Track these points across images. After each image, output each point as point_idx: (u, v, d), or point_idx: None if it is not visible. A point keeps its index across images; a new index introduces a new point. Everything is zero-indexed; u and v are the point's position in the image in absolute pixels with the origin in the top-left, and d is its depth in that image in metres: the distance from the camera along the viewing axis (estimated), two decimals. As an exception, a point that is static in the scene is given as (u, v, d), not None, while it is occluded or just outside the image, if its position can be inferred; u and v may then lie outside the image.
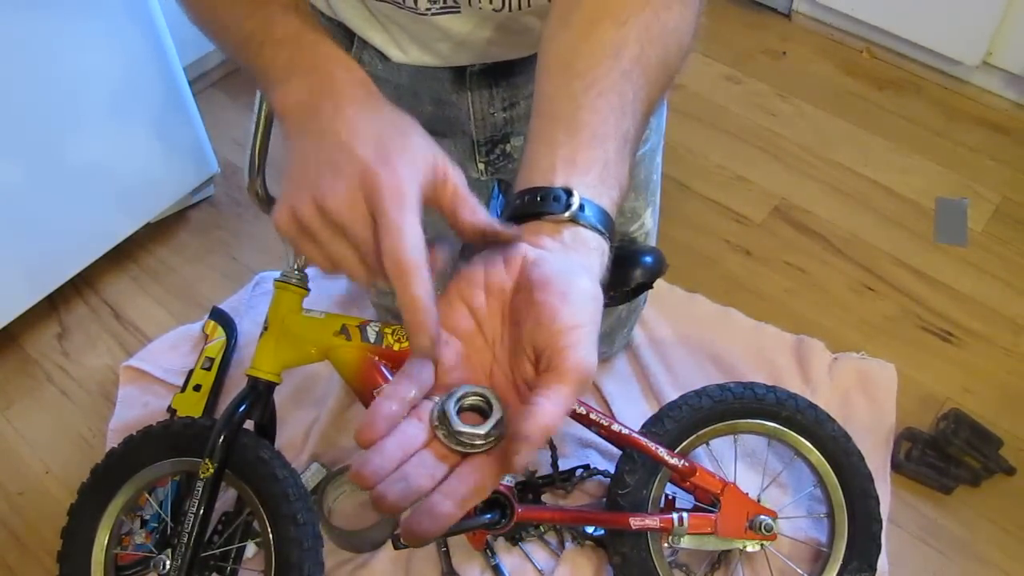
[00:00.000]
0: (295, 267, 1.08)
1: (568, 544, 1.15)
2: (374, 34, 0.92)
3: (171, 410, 1.30)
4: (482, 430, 0.45)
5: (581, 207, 0.51)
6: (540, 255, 0.50)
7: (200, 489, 1.00)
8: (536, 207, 0.52)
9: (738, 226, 1.59)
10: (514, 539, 1.16)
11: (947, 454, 1.24)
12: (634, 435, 1.05)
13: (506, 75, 0.95)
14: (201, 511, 1.00)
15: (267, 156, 1.07)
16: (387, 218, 0.50)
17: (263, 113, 1.05)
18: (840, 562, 1.09)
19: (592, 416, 1.04)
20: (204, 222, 1.62)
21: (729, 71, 1.88)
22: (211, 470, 1.00)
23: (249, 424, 1.07)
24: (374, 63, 0.96)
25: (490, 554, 1.14)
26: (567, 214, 0.51)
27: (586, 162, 0.54)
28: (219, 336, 1.39)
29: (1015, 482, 1.25)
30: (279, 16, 0.62)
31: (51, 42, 1.22)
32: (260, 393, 1.07)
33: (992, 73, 1.79)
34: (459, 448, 0.45)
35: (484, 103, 0.97)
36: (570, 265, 0.49)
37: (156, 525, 1.15)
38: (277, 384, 1.08)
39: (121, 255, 1.54)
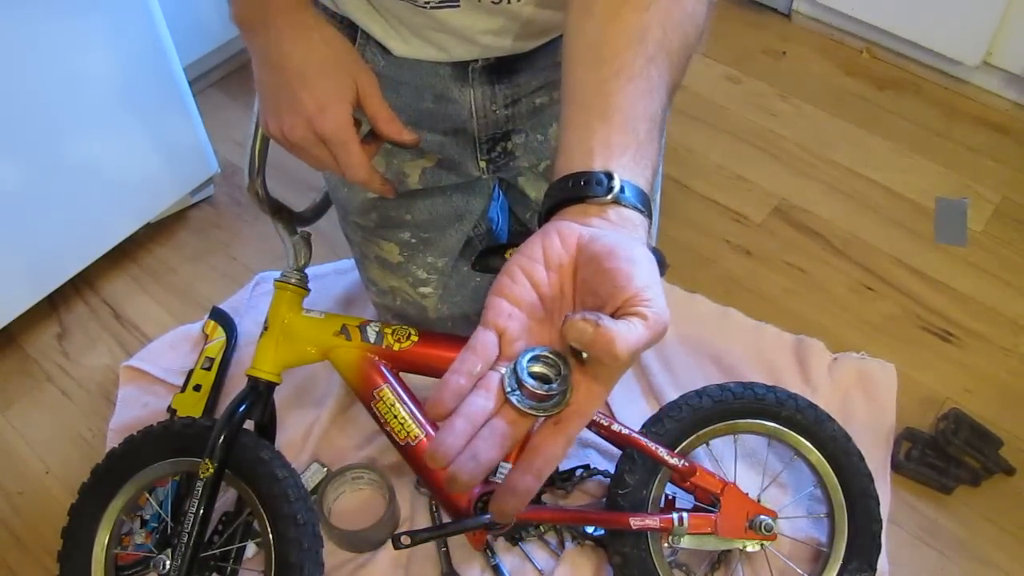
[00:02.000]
0: (295, 267, 1.08)
1: (568, 544, 1.15)
2: (375, 26, 0.93)
3: (171, 410, 1.30)
4: (553, 384, 0.47)
5: (622, 189, 0.54)
6: (594, 231, 0.52)
7: (200, 489, 1.00)
8: (580, 191, 0.54)
9: (738, 226, 1.59)
10: (514, 539, 1.16)
11: (947, 454, 1.24)
12: (634, 435, 1.05)
13: (508, 72, 0.96)
14: (201, 511, 1.00)
15: (267, 156, 1.07)
16: (335, 148, 0.80)
17: None
18: (840, 562, 1.09)
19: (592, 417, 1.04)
20: (204, 222, 1.62)
21: (729, 71, 1.88)
22: (211, 470, 1.00)
23: (249, 424, 1.07)
24: (376, 59, 0.96)
25: (490, 554, 1.14)
26: (610, 196, 0.54)
27: (621, 145, 0.56)
28: (219, 336, 1.39)
29: (1015, 482, 1.25)
30: None
31: (51, 42, 1.22)
32: (260, 393, 1.07)
33: (992, 73, 1.79)
34: (531, 410, 0.47)
35: (486, 100, 0.98)
36: (624, 237, 0.52)
37: (156, 525, 1.15)
38: (277, 384, 1.08)
39: (121, 255, 1.54)
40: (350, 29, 0.95)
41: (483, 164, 1.07)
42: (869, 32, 1.90)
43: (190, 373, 1.34)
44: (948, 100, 1.82)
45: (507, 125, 1.02)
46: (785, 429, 1.12)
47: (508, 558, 1.15)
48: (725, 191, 1.65)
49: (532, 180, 1.12)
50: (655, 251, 0.95)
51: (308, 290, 1.09)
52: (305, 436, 1.28)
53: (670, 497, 1.10)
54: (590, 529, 1.14)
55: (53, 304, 1.48)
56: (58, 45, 1.23)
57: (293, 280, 1.08)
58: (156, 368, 1.36)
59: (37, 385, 1.40)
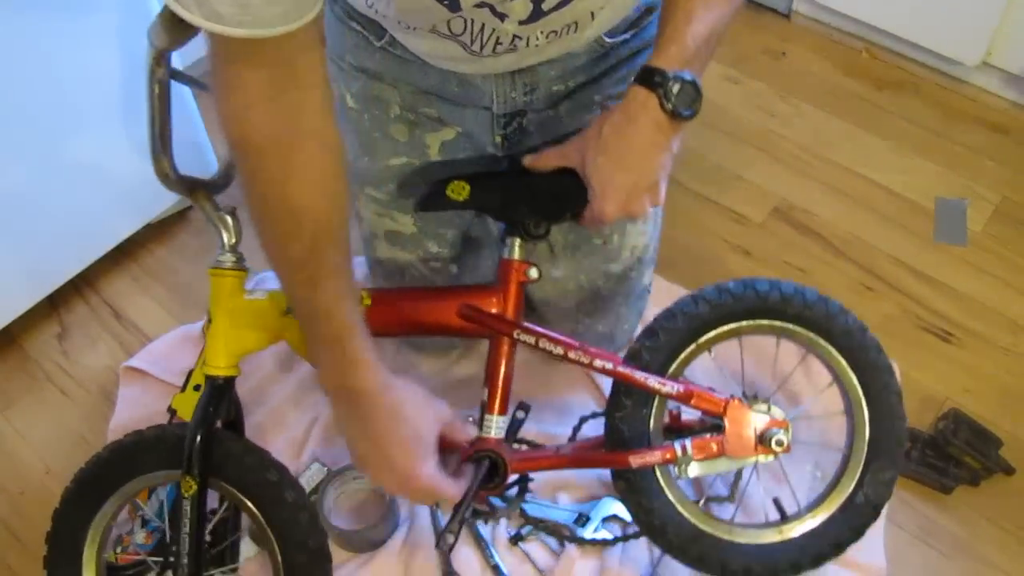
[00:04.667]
0: (227, 248, 1.01)
1: (568, 544, 1.15)
2: (417, 44, 1.00)
3: (171, 410, 1.30)
4: None
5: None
6: None
7: (188, 508, 0.96)
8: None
9: (738, 226, 1.59)
10: (514, 539, 1.16)
11: (947, 454, 1.24)
12: (620, 369, 0.99)
13: (529, 67, 1.03)
14: (194, 529, 0.96)
15: (171, 132, 1.00)
16: (428, 496, 0.90)
17: (157, 88, 0.98)
18: (863, 463, 1.02)
19: (571, 355, 0.98)
20: (204, 222, 1.61)
21: (729, 71, 1.88)
22: (194, 487, 0.96)
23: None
24: (407, 53, 1.02)
25: (490, 554, 1.14)
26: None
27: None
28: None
29: (1015, 482, 1.25)
30: (326, 313, 0.84)
31: (51, 42, 1.22)
32: (222, 390, 1.01)
33: (992, 73, 1.79)
34: None
35: (506, 87, 1.05)
36: None
37: (157, 525, 1.15)
38: (237, 376, 1.02)
39: (121, 255, 1.54)
40: (378, 29, 1.01)
41: (498, 139, 1.11)
42: (869, 32, 1.90)
43: (190, 373, 1.33)
44: (948, 100, 1.82)
45: (525, 105, 1.08)
46: (794, 327, 1.03)
47: (508, 558, 1.15)
48: (725, 191, 1.65)
49: None
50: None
51: (247, 270, 1.01)
52: (305, 436, 1.28)
53: (674, 412, 1.05)
54: (591, 530, 1.14)
55: (53, 304, 1.48)
56: (58, 45, 1.23)
57: (228, 264, 0.99)
58: (156, 368, 1.36)
59: (37, 385, 1.40)
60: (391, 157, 1.10)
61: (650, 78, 0.85)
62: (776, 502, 1.07)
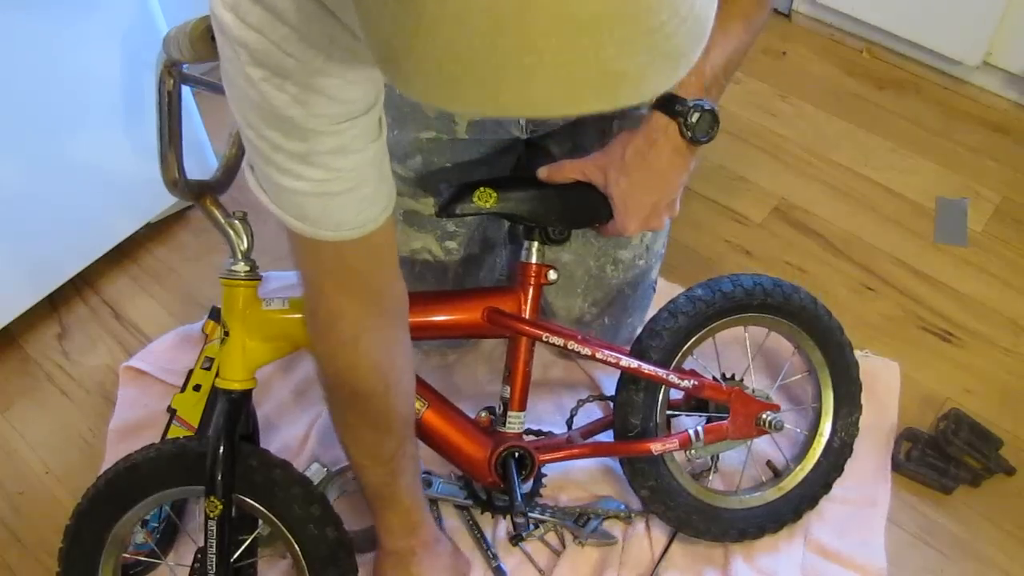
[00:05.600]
0: (240, 257, 0.95)
1: (569, 544, 1.15)
2: None
3: (171, 410, 1.30)
4: None
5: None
6: None
7: (215, 529, 0.93)
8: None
9: (738, 226, 1.59)
10: (515, 539, 1.16)
11: (947, 454, 1.24)
12: (645, 368, 1.05)
13: None
14: (221, 550, 0.93)
15: (182, 139, 0.95)
16: None
17: (168, 98, 0.93)
18: (832, 412, 1.17)
19: (599, 355, 1.04)
20: (204, 222, 1.60)
21: (729, 71, 1.88)
22: (220, 508, 0.92)
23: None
24: None
25: (491, 555, 1.14)
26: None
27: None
28: (219, 336, 1.38)
29: (1015, 482, 1.25)
30: (404, 492, 0.98)
31: (51, 42, 1.22)
32: (239, 404, 0.96)
33: (992, 73, 1.79)
34: None
35: None
36: None
37: (157, 525, 1.15)
38: (253, 388, 0.99)
39: (121, 255, 1.54)
40: None
41: (523, 121, 1.13)
42: (869, 32, 1.90)
43: (190, 373, 1.34)
44: (948, 100, 1.82)
45: None
46: (759, 315, 1.14)
47: (509, 558, 1.15)
48: (725, 191, 1.65)
49: (559, 138, 1.16)
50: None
51: (260, 278, 0.97)
52: (305, 436, 1.28)
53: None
54: (591, 529, 1.14)
55: (53, 304, 1.48)
56: (58, 45, 1.23)
57: (242, 274, 0.94)
58: (156, 368, 1.36)
59: (37, 385, 1.40)
60: (421, 130, 1.11)
61: (670, 106, 0.90)
62: (769, 464, 1.22)
